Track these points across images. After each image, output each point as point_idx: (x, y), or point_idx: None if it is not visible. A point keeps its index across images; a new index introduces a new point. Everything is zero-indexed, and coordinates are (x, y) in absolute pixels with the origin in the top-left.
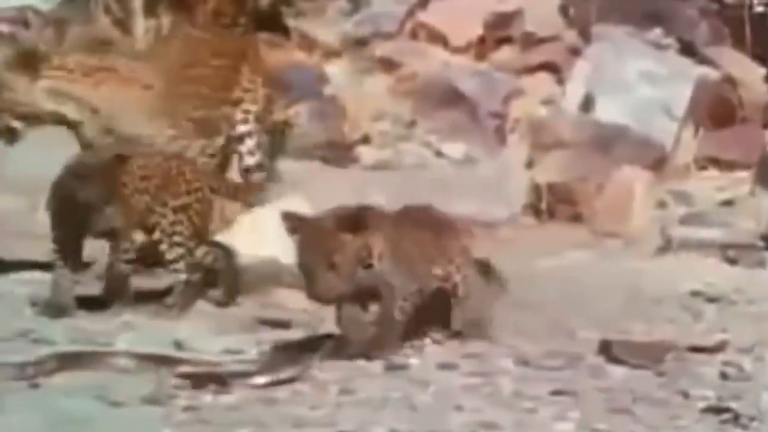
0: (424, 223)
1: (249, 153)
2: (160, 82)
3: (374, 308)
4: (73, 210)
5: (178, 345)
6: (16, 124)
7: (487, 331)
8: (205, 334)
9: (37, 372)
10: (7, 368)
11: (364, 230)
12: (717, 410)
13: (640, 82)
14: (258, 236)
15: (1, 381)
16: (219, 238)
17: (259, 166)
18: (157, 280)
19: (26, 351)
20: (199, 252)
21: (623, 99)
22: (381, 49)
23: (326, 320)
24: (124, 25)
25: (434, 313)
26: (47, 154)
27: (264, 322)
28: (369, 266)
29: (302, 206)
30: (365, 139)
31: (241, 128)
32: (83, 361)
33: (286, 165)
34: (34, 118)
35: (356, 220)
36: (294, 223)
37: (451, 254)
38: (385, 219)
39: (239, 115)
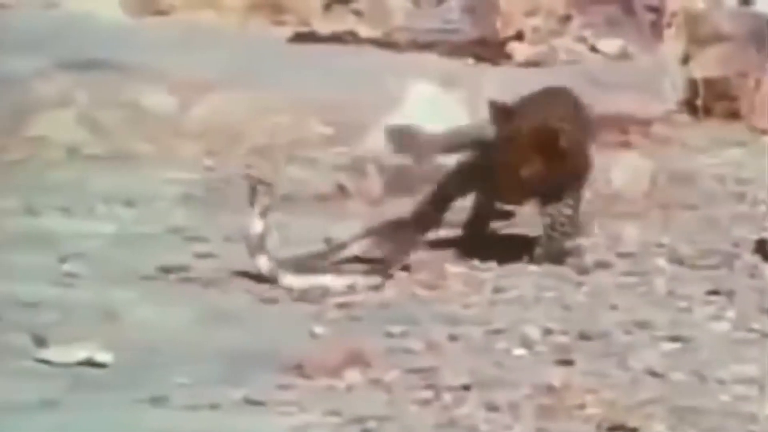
0: None
1: None
2: None
3: None
4: None
5: (329, 242)
6: None
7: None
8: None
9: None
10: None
11: None
12: None
13: None
14: None
15: (156, 274)
16: None
17: None
18: None
19: (179, 249)
20: None
21: None
22: None
23: None
24: None
25: None
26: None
27: None
28: None
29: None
30: (518, 35)
31: None
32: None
33: (437, 63)
34: None
35: None
36: None
37: None
38: None
39: None
